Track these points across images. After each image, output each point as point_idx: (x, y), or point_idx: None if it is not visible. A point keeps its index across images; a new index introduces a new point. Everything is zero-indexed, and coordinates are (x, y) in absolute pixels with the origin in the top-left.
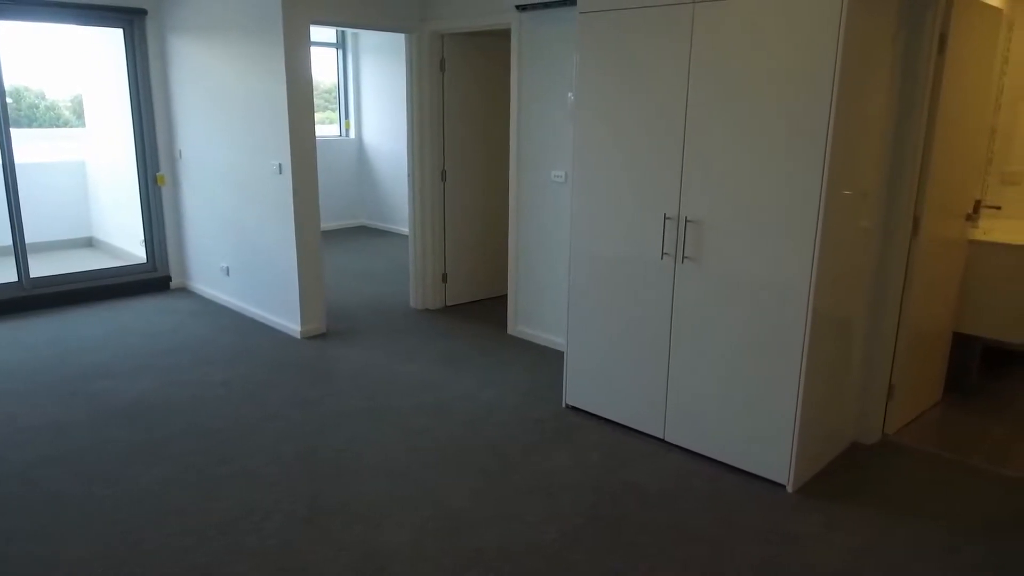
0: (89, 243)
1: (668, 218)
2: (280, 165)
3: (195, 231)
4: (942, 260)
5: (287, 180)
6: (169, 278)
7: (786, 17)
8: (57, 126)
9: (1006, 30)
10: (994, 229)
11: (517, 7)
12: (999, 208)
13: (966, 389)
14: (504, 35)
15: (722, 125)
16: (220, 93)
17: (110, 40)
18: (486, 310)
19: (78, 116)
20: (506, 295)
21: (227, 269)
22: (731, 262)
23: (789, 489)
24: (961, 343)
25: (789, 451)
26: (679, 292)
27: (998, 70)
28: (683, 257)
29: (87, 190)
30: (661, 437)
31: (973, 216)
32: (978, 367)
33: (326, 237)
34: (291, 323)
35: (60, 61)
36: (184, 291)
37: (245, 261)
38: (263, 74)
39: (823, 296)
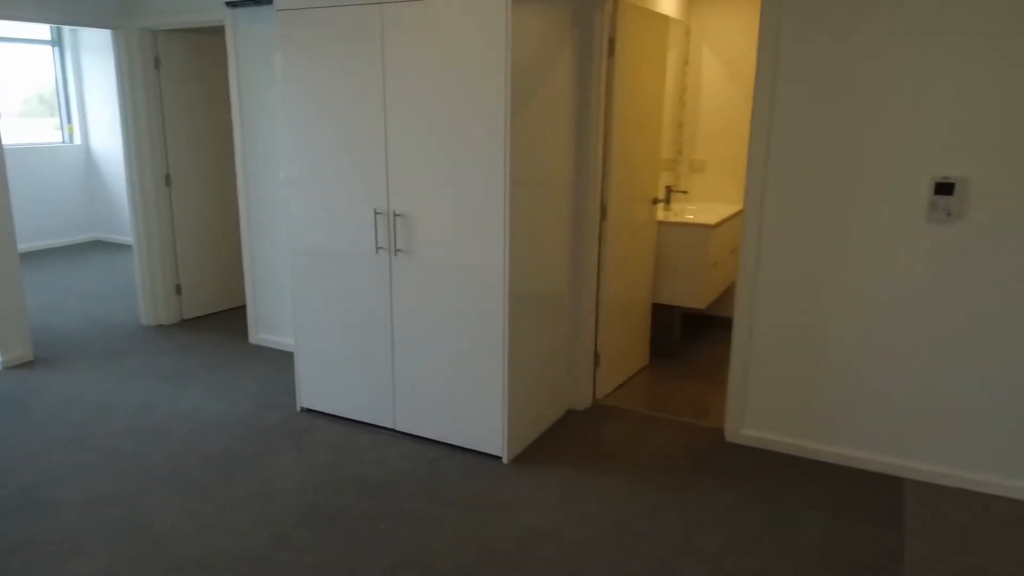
0: None
1: (379, 213)
2: None
3: None
4: (633, 240)
5: None
6: None
7: (462, 22)
8: None
9: (683, 35)
10: (684, 211)
11: (227, 3)
12: (686, 192)
13: (669, 353)
14: (222, 32)
15: (417, 124)
16: None
17: None
18: (227, 320)
19: None
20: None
21: None
22: (438, 253)
23: (504, 460)
24: (662, 312)
25: (501, 425)
26: (396, 284)
27: (679, 71)
28: (396, 250)
29: None
30: (392, 427)
31: (660, 200)
32: (679, 333)
33: (51, 255)
34: None
35: None
36: None
37: None
38: None
39: (518, 278)
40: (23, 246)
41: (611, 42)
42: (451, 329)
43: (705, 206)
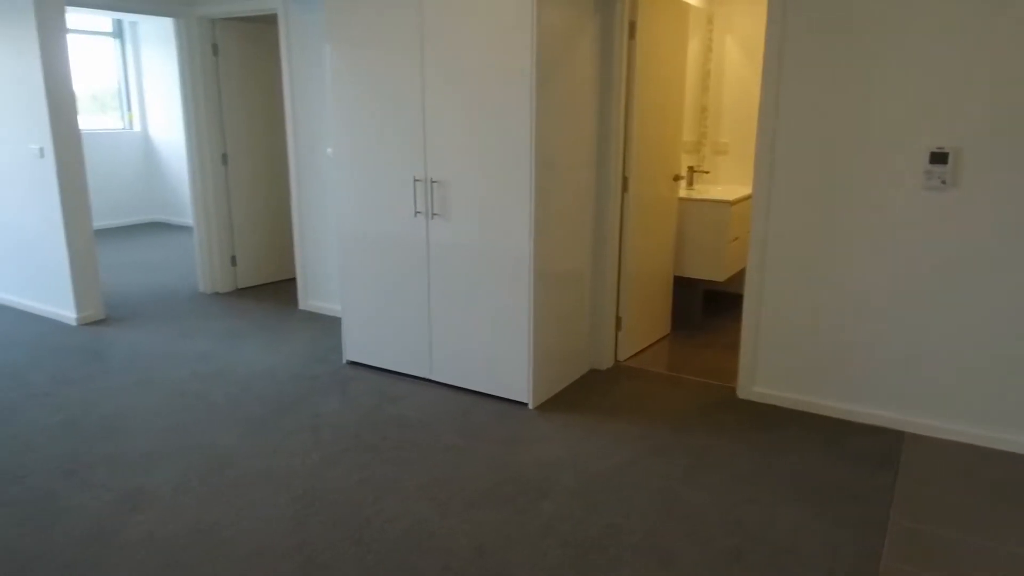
0: None
1: (417, 180)
2: (42, 149)
3: None
4: (654, 213)
5: (50, 163)
6: None
7: (493, 4)
8: None
9: (706, 23)
10: (708, 191)
11: None
12: (708, 172)
13: (691, 325)
14: (276, 20)
15: (452, 97)
16: None
17: None
18: (278, 290)
19: None
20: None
21: None
22: (470, 217)
23: (530, 406)
24: (685, 287)
25: (527, 375)
26: (432, 246)
27: (702, 57)
28: (432, 214)
29: None
30: (429, 377)
31: (681, 177)
32: (701, 307)
33: (114, 234)
34: (65, 311)
35: None
36: None
37: (12, 251)
38: (18, 57)
39: (543, 244)
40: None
41: (632, 25)
42: (481, 288)
43: (727, 187)
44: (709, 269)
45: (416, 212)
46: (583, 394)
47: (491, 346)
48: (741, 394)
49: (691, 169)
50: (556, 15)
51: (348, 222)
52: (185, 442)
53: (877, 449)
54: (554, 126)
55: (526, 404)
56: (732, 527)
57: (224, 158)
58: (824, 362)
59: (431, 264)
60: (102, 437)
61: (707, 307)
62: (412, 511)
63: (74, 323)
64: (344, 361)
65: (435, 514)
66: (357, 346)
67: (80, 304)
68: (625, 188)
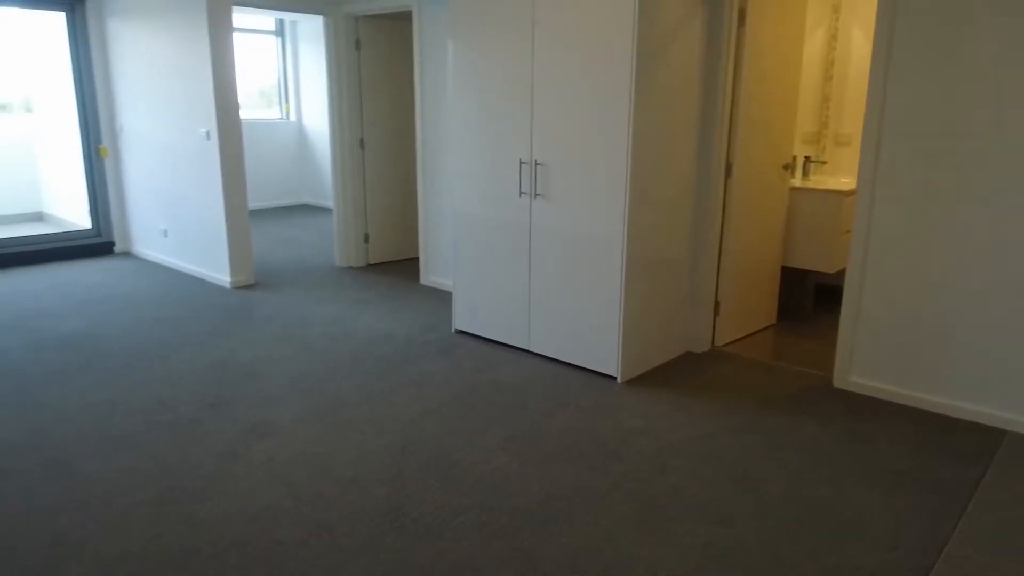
0: (39, 217)
1: (523, 162)
2: (208, 132)
3: (136, 198)
4: (760, 200)
5: (215, 145)
6: (113, 243)
7: None
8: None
9: (831, 12)
10: (824, 181)
11: None
12: (825, 163)
13: (799, 317)
14: (411, 17)
15: (558, 85)
16: (155, 70)
17: (55, 25)
18: (404, 266)
19: (27, 110)
20: None
21: (165, 231)
22: (570, 197)
23: (619, 380)
24: (795, 278)
25: (616, 350)
26: (534, 224)
27: (826, 46)
28: (535, 194)
29: (36, 168)
30: (527, 348)
31: (791, 166)
32: (812, 300)
33: (267, 214)
34: (222, 275)
35: (8, 49)
36: (127, 255)
37: (180, 222)
38: (191, 50)
39: (636, 226)
40: (248, 205)
41: (741, 13)
42: (576, 265)
43: (845, 178)
44: (820, 260)
45: (521, 192)
46: (674, 373)
47: (584, 321)
48: (837, 383)
49: (807, 159)
50: (658, 4)
51: (461, 202)
52: (308, 387)
53: (972, 446)
54: (653, 112)
55: (615, 378)
56: (798, 501)
57: (361, 143)
58: (925, 355)
59: (532, 242)
60: (241, 378)
61: (819, 300)
62: (493, 459)
63: (228, 286)
64: (453, 330)
65: (514, 464)
66: (465, 316)
67: (235, 270)
68: (728, 174)
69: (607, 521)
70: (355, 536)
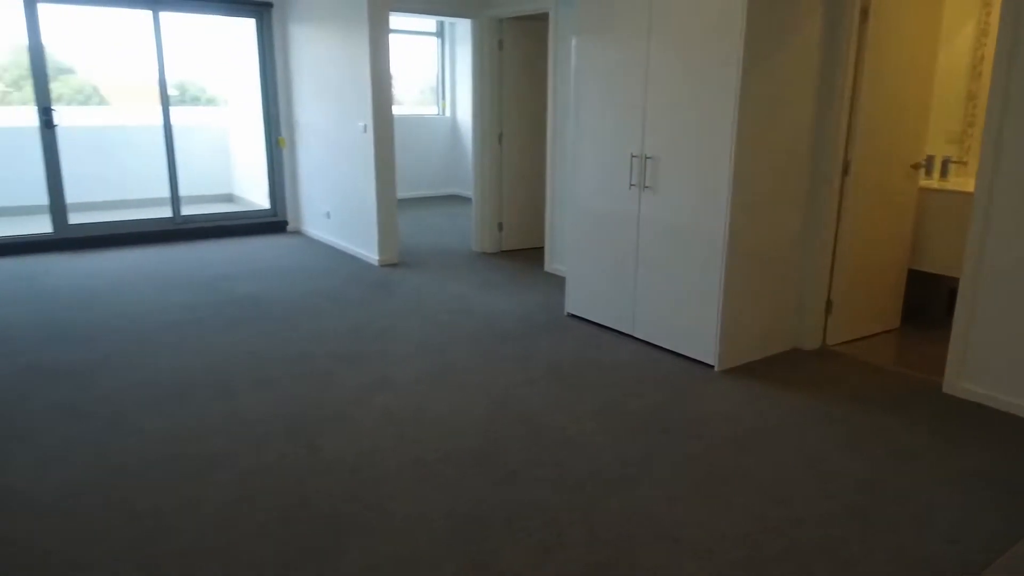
0: (229, 198)
1: (634, 156)
2: (365, 125)
3: (306, 184)
4: (883, 201)
5: (370, 137)
6: (286, 222)
7: None
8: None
9: (981, 6)
10: (961, 183)
11: None
12: (965, 163)
13: (927, 322)
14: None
15: (669, 83)
16: (324, 70)
17: (245, 29)
18: (532, 254)
19: (224, 104)
20: None
21: (328, 213)
22: (676, 189)
23: (716, 368)
24: (926, 281)
25: (715, 340)
26: (642, 215)
27: (975, 42)
28: (644, 186)
29: (229, 155)
30: (631, 333)
31: (921, 165)
32: (945, 305)
33: (420, 203)
34: (371, 253)
35: (213, 51)
36: (297, 233)
37: (340, 206)
38: (353, 53)
39: (740, 219)
40: (400, 194)
41: (864, 11)
42: (680, 256)
43: None
44: (950, 264)
45: (631, 184)
46: (775, 367)
47: (685, 309)
48: (947, 389)
49: (947, 159)
50: (770, 6)
51: (577, 192)
52: (428, 352)
53: None
54: (760, 111)
55: (712, 366)
56: (867, 490)
57: (500, 138)
58: None
59: (640, 231)
60: (373, 341)
61: (951, 304)
62: (579, 426)
63: (376, 264)
64: (565, 313)
65: (597, 431)
66: (576, 301)
67: (382, 250)
68: (846, 173)
69: (671, 488)
70: (444, 473)
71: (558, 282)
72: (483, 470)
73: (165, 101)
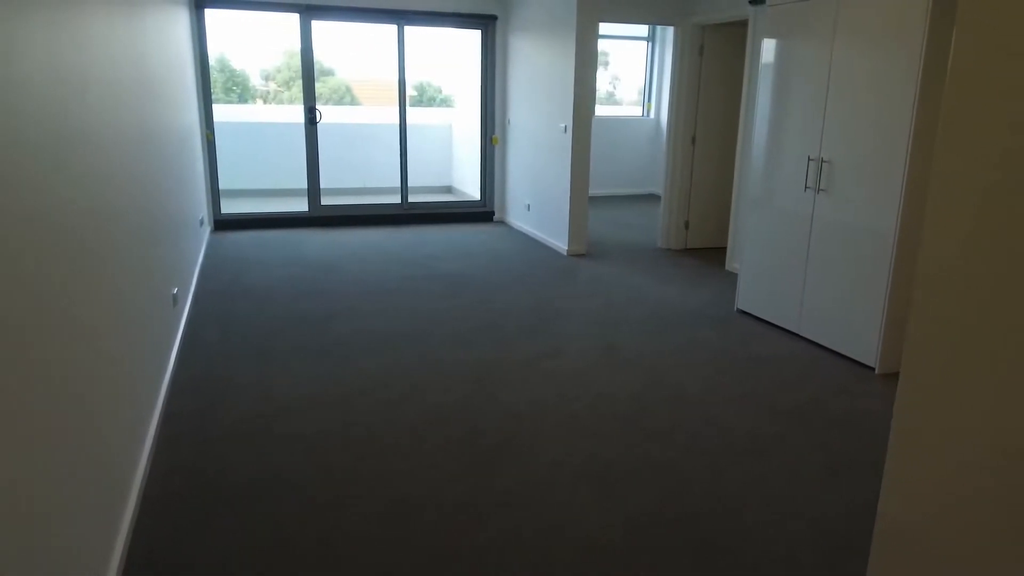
0: (448, 190)
1: (811, 159)
2: (565, 126)
3: (511, 179)
4: None
5: (569, 137)
6: (492, 213)
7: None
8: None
9: None
10: None
11: (751, 3)
12: None
13: None
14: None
15: (850, 85)
16: (535, 74)
17: (472, 39)
18: (717, 253)
19: (450, 105)
20: None
21: (528, 206)
22: (849, 192)
23: (876, 371)
24: None
25: (877, 343)
26: (816, 218)
27: None
28: (819, 189)
29: (451, 151)
30: (796, 331)
31: None
32: None
33: (616, 200)
34: (562, 244)
35: (446, 57)
36: (502, 223)
37: (539, 199)
38: (560, 59)
39: (909, 225)
40: (599, 191)
41: None
42: (848, 257)
43: None
44: None
45: (806, 187)
46: None
47: (850, 311)
48: None
49: None
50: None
51: (755, 194)
52: (597, 332)
53: None
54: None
55: (872, 368)
56: None
57: (693, 139)
58: None
59: (812, 233)
60: (551, 318)
61: None
62: (720, 405)
63: (565, 253)
64: (735, 309)
65: (735, 410)
66: (746, 297)
67: (571, 241)
68: None
69: (794, 468)
70: (596, 429)
71: (736, 280)
72: (630, 430)
73: (403, 102)
